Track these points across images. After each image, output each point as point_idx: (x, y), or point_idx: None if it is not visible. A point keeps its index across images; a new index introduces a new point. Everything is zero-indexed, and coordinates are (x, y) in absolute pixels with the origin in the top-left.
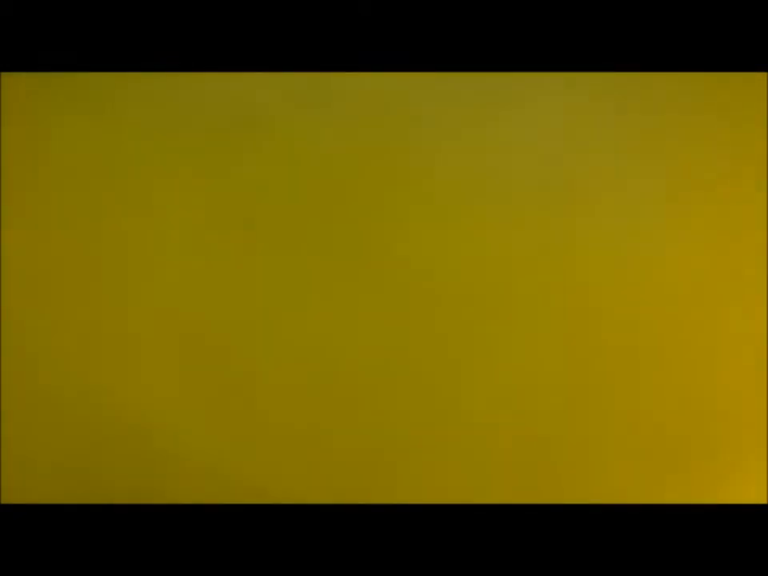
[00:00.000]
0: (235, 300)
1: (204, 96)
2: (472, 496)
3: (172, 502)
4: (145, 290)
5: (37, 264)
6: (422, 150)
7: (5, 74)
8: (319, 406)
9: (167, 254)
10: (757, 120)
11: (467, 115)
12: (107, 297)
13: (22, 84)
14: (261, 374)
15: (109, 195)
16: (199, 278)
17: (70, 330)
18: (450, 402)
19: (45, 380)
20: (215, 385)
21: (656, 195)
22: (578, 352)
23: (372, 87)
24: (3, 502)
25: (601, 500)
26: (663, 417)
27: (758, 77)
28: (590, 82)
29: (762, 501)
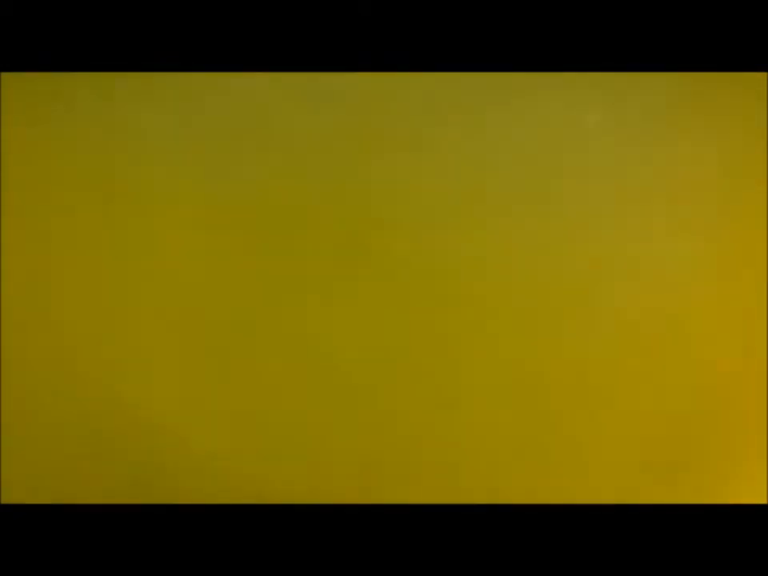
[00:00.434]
0: (236, 299)
1: (204, 96)
2: (472, 496)
3: (172, 502)
4: (146, 290)
5: (37, 264)
6: (422, 149)
7: (5, 74)
8: (319, 407)
9: (168, 254)
10: (757, 120)
11: (467, 115)
12: (108, 296)
13: (22, 84)
14: (262, 373)
15: (109, 195)
16: (200, 278)
17: (70, 330)
18: (450, 402)
19: (45, 380)
20: (216, 385)
21: (655, 195)
22: (578, 352)
23: (372, 87)
24: (3, 502)
25: (601, 500)
26: (663, 417)
27: (758, 77)
28: (590, 81)
29: (762, 501)
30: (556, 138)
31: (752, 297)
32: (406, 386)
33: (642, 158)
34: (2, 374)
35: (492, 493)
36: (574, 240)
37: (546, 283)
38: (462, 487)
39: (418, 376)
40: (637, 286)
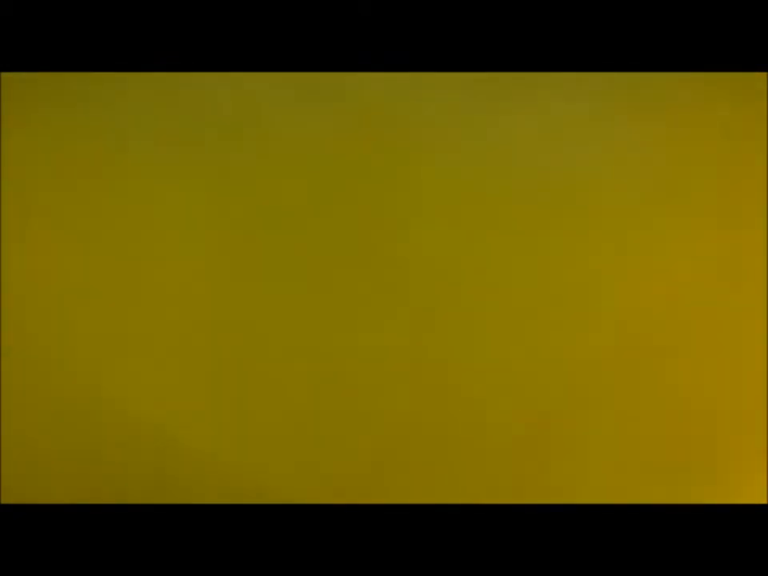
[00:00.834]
0: (237, 300)
1: (204, 96)
2: (472, 496)
3: (173, 502)
4: (146, 290)
5: (37, 263)
6: (422, 149)
7: (5, 74)
8: (320, 407)
9: (169, 254)
10: (757, 120)
11: (467, 114)
12: (108, 296)
13: (22, 84)
14: (263, 374)
15: (109, 195)
16: (201, 279)
17: (70, 331)
18: (450, 403)
19: (45, 380)
20: (216, 385)
21: (656, 195)
22: (578, 352)
23: (372, 87)
24: (3, 502)
25: (600, 500)
26: (663, 417)
27: (758, 77)
28: (590, 82)
29: (762, 501)
30: (556, 138)
31: (752, 297)
32: (407, 386)
33: (642, 157)
34: (2, 375)
35: (492, 493)
36: (574, 240)
37: (547, 284)
38: (462, 487)
39: (418, 377)
40: (637, 287)
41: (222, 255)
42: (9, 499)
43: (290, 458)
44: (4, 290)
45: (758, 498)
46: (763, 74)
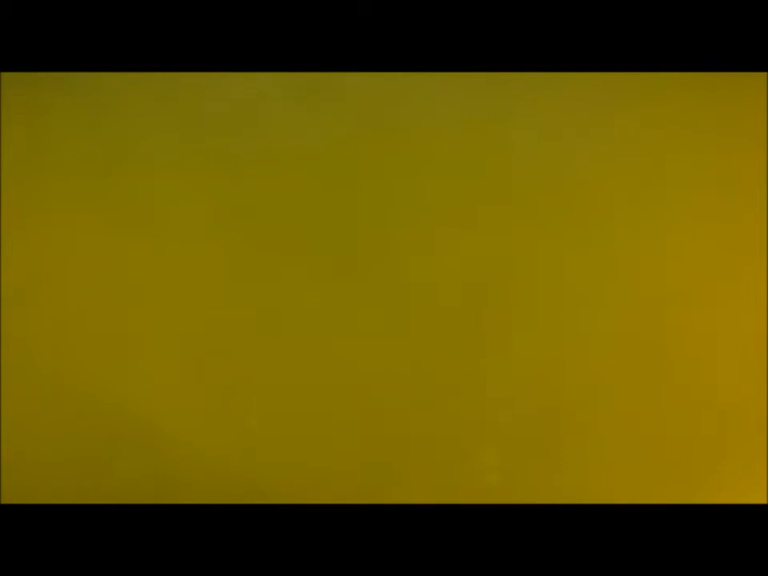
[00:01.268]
0: (237, 301)
1: (205, 96)
2: (473, 496)
3: (173, 502)
4: (146, 290)
5: (37, 263)
6: (421, 149)
7: (5, 74)
8: (321, 408)
9: (169, 254)
10: (757, 120)
11: (467, 114)
12: (108, 296)
13: (22, 84)
14: (263, 375)
15: (108, 194)
16: (201, 279)
17: (71, 331)
18: (450, 404)
19: (45, 381)
20: (217, 386)
21: (656, 194)
22: (579, 352)
23: (372, 87)
24: (3, 502)
25: (601, 500)
26: (663, 417)
27: (758, 77)
28: (590, 82)
29: (762, 501)
30: (557, 138)
31: (753, 297)
32: (407, 387)
33: (642, 157)
34: (2, 375)
35: (492, 493)
36: (577, 239)
37: (551, 284)
38: (462, 487)
39: (418, 377)
40: (639, 288)
41: (222, 255)
42: (9, 499)
43: (289, 458)
44: (4, 289)
45: (758, 498)
46: (763, 74)
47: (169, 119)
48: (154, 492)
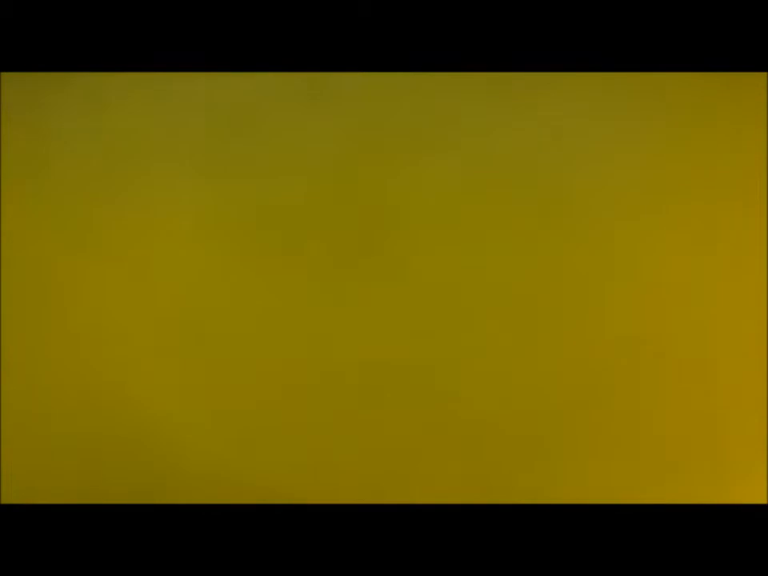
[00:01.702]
0: (239, 301)
1: (204, 96)
2: (472, 496)
3: (173, 502)
4: (146, 290)
5: (37, 263)
6: (421, 149)
7: (5, 74)
8: (321, 408)
9: (169, 254)
10: (757, 120)
11: (467, 115)
12: (108, 296)
13: (22, 84)
14: (263, 375)
15: (108, 194)
16: (201, 278)
17: (71, 331)
18: (451, 403)
19: (45, 381)
20: (217, 387)
21: (656, 195)
22: (579, 353)
23: (372, 87)
24: (3, 502)
25: (600, 500)
26: (663, 417)
27: (758, 77)
28: (589, 82)
29: (762, 501)
30: (557, 138)
31: (752, 297)
32: (407, 387)
33: (642, 158)
34: (2, 375)
35: (492, 493)
36: (574, 241)
37: (548, 285)
38: (462, 487)
39: (418, 378)
40: (637, 288)
41: (222, 255)
42: (9, 499)
43: (289, 458)
44: (4, 288)
45: (758, 498)
46: (763, 74)
47: (169, 119)
48: (154, 492)
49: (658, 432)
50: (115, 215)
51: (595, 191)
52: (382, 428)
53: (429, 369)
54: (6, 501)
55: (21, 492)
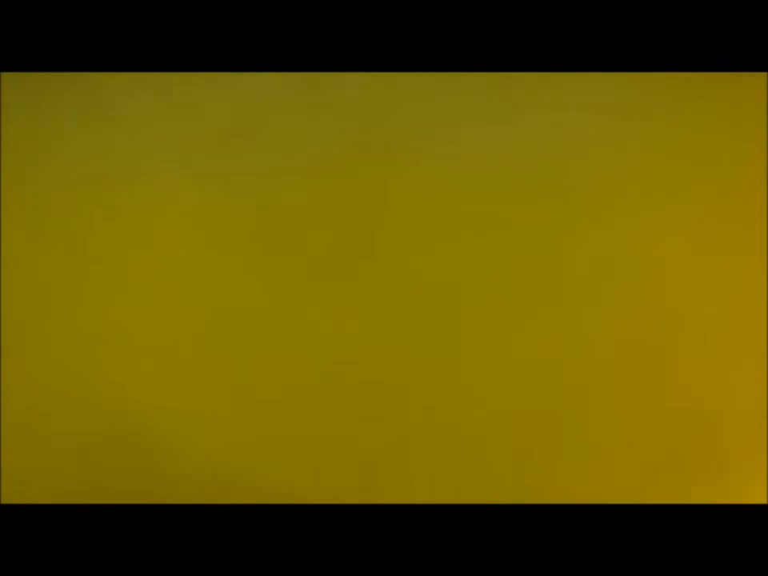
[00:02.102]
0: (238, 301)
1: (204, 96)
2: (472, 496)
3: (172, 502)
4: (146, 290)
5: (37, 263)
6: (421, 149)
7: (5, 74)
8: (321, 408)
9: (168, 254)
10: (757, 120)
11: (467, 115)
12: (108, 296)
13: (22, 84)
14: (263, 375)
15: (109, 194)
16: (201, 278)
17: (71, 331)
18: (450, 403)
19: (45, 381)
20: (217, 387)
21: (656, 195)
22: (579, 353)
23: (372, 87)
24: (3, 502)
25: (601, 500)
26: (663, 417)
27: (758, 77)
28: (589, 82)
29: (762, 501)
30: (557, 139)
31: (752, 297)
32: (407, 387)
33: (642, 158)
34: (2, 375)
35: (492, 493)
36: (574, 241)
37: (548, 285)
38: (461, 487)
39: (418, 377)
40: (637, 287)
41: (222, 255)
42: (9, 499)
43: (289, 458)
44: (4, 289)
45: (758, 498)
46: (763, 74)
47: (169, 119)
48: (154, 492)
49: (658, 432)
50: (115, 215)
51: (595, 191)
52: (382, 428)
53: (428, 369)
54: (5, 501)
55: (21, 492)
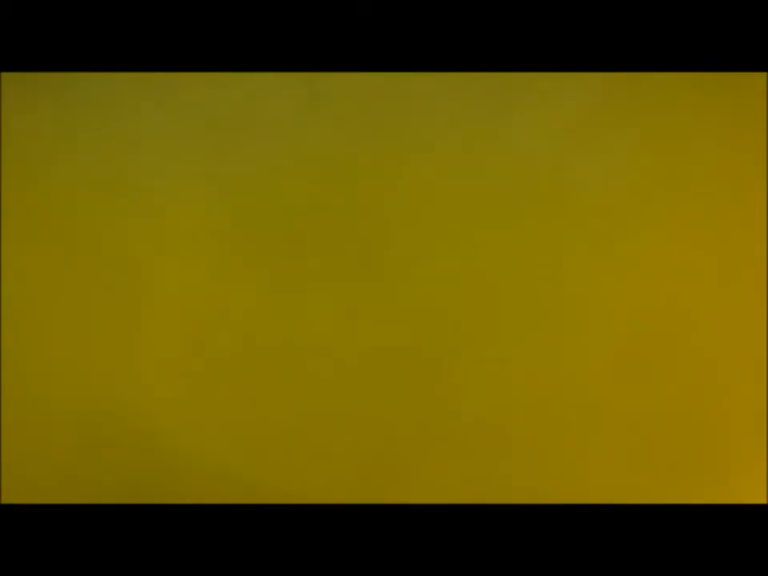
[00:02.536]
0: (237, 302)
1: (204, 96)
2: (472, 496)
3: (173, 502)
4: (147, 291)
5: (37, 263)
6: (421, 149)
7: (5, 74)
8: (321, 408)
9: (169, 255)
10: (757, 120)
11: (467, 114)
12: (108, 297)
13: (22, 84)
14: (263, 375)
15: (109, 195)
16: (202, 280)
17: (71, 331)
18: (450, 403)
19: (45, 381)
20: (218, 388)
21: (656, 195)
22: (579, 353)
23: (372, 87)
24: (3, 502)
25: (600, 500)
26: (663, 417)
27: (758, 77)
28: (589, 82)
29: (762, 501)
30: (556, 139)
31: (752, 298)
32: (408, 387)
33: (642, 157)
34: (3, 376)
35: (492, 493)
36: (574, 241)
37: (547, 286)
38: (461, 487)
39: (418, 378)
40: (638, 288)
41: (221, 256)
42: (9, 499)
43: (289, 459)
44: (4, 290)
45: (758, 498)
46: (763, 74)
47: (169, 119)
48: (154, 492)
49: (658, 432)
50: (114, 215)
51: (595, 191)
52: (382, 429)
53: (428, 369)
54: (5, 501)
55: (21, 492)
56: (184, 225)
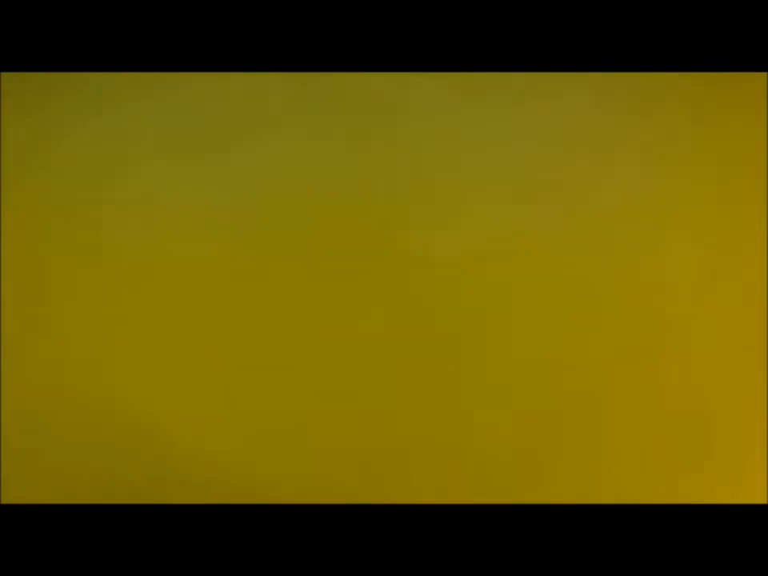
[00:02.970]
0: (237, 302)
1: (204, 96)
2: (472, 496)
3: (173, 502)
4: (147, 292)
5: (37, 263)
6: (421, 149)
7: (5, 74)
8: (321, 409)
9: (170, 255)
10: (757, 120)
11: (468, 114)
12: (109, 297)
13: (22, 84)
14: (264, 376)
15: (109, 195)
16: (202, 280)
17: (71, 331)
18: (450, 403)
19: (45, 381)
20: (216, 387)
21: (656, 194)
22: (579, 353)
23: (372, 87)
24: (3, 502)
25: (601, 500)
26: (664, 418)
27: (758, 77)
28: (589, 82)
29: (762, 501)
30: (557, 139)
31: (752, 298)
32: (408, 387)
33: (642, 157)
34: (3, 376)
35: (493, 493)
36: (574, 240)
37: (548, 287)
38: (461, 487)
39: (419, 378)
40: (637, 289)
41: (222, 256)
42: (9, 499)
43: (289, 459)
44: (4, 288)
45: (758, 498)
46: (763, 74)
47: (169, 119)
48: (154, 492)
49: (658, 432)
50: (114, 215)
51: (595, 191)
52: (382, 429)
53: (428, 370)
54: (5, 501)
55: (21, 492)
56: (184, 224)
